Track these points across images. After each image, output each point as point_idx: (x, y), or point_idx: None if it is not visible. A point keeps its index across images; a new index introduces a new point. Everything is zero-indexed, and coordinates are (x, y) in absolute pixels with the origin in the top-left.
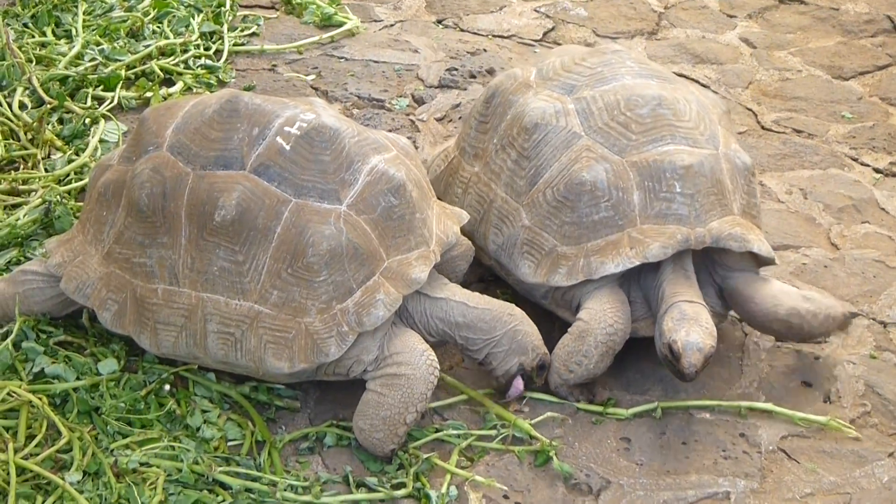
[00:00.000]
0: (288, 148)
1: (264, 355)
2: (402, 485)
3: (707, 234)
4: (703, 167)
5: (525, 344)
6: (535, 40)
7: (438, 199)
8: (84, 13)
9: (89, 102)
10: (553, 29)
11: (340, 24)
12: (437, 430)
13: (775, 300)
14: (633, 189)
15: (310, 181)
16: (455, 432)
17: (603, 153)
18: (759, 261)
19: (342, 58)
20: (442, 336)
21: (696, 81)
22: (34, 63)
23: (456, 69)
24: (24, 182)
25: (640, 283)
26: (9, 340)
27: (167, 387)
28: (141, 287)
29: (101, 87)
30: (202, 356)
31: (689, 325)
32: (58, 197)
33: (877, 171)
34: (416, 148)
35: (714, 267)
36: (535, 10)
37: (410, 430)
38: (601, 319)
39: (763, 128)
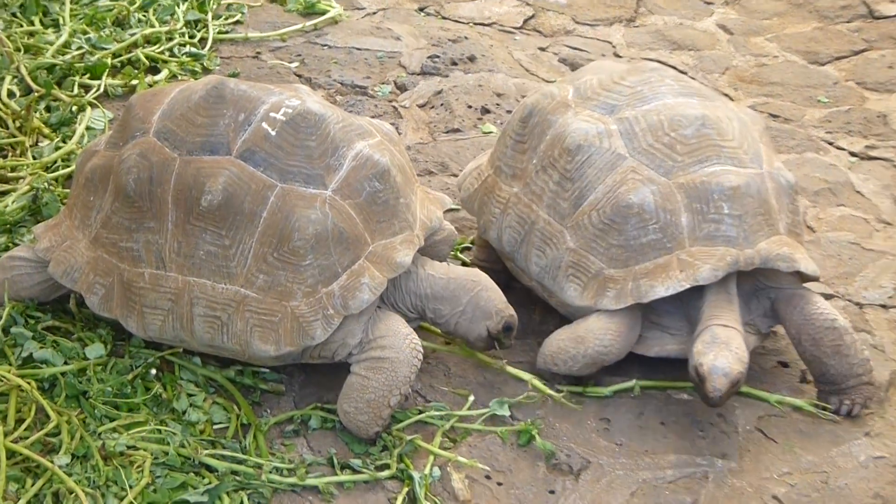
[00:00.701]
0: (274, 133)
1: (251, 338)
2: (386, 466)
3: (756, 256)
4: (750, 188)
5: (488, 308)
6: (516, 27)
7: (474, 217)
8: (71, 2)
9: (76, 90)
10: (533, 17)
11: (323, 12)
12: (421, 413)
13: (832, 312)
14: (681, 211)
15: (295, 166)
16: (438, 414)
17: (649, 175)
18: (803, 277)
19: (325, 45)
20: (417, 311)
21: (674, 68)
22: (22, 52)
23: (438, 56)
24: (12, 169)
25: (686, 304)
26: None
27: (153, 371)
28: (128, 271)
29: (88, 75)
30: (189, 340)
31: (719, 349)
32: (45, 184)
33: (852, 154)
34: (399, 134)
35: (762, 283)
36: None
37: (394, 412)
38: (601, 337)
39: None
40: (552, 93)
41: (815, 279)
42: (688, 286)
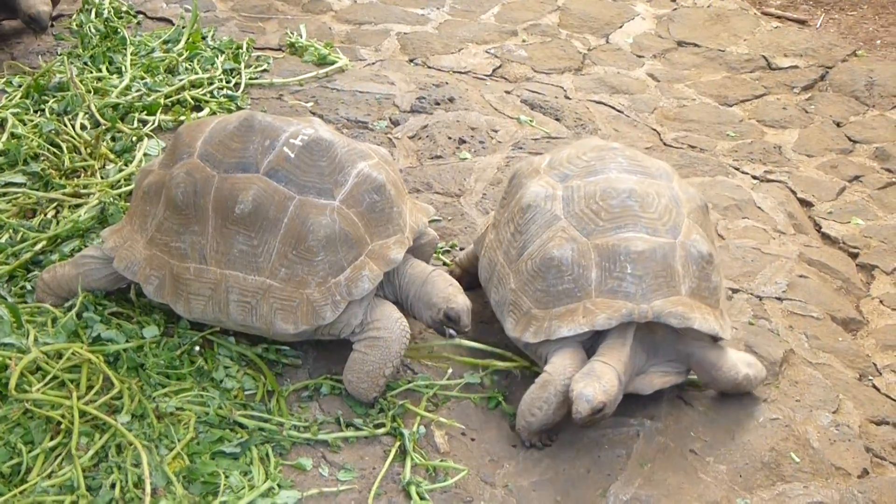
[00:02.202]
0: (293, 156)
1: (274, 319)
2: (382, 425)
3: (650, 311)
4: (656, 253)
5: (432, 300)
6: (487, 75)
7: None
8: (132, 54)
9: (136, 124)
10: (500, 66)
11: (333, 63)
12: (409, 382)
13: (735, 368)
14: (592, 267)
15: (310, 182)
16: (423, 383)
17: (573, 235)
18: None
19: (334, 89)
20: (398, 299)
21: (613, 108)
22: (92, 93)
23: (424, 98)
24: (84, 187)
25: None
26: (73, 312)
27: (197, 348)
28: (176, 266)
29: (145, 112)
30: (225, 320)
31: (590, 380)
32: (111, 199)
33: (754, 177)
34: (393, 159)
35: (681, 339)
36: (486, 52)
37: (389, 382)
38: (561, 373)
39: (665, 144)
40: (532, 161)
41: (721, 338)
42: (586, 329)
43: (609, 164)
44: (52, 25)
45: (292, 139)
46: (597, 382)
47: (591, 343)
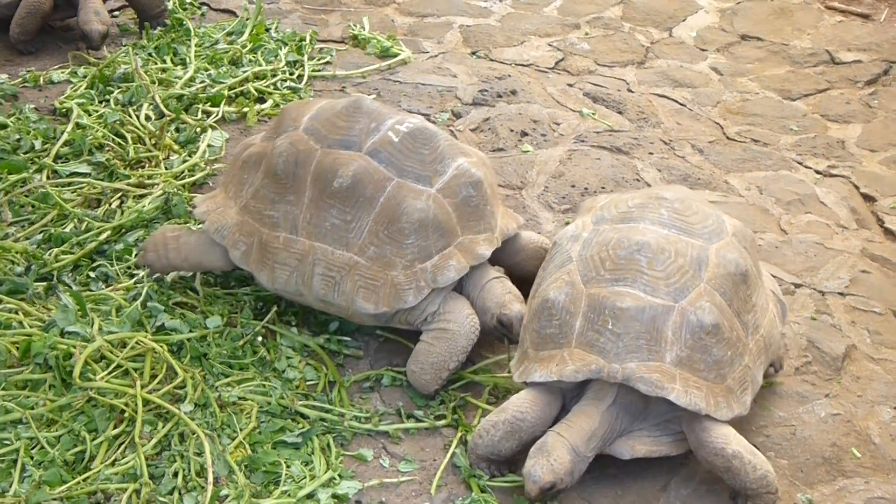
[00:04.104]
0: (396, 140)
1: (356, 297)
2: (443, 416)
3: (620, 372)
4: (643, 313)
5: (486, 304)
6: (549, 68)
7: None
8: (196, 45)
9: (199, 115)
10: (563, 59)
11: (396, 55)
12: (473, 374)
13: (726, 438)
14: (578, 315)
15: (410, 167)
16: (484, 376)
17: (574, 279)
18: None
19: (397, 81)
20: (469, 299)
21: (675, 101)
22: (157, 84)
23: (486, 90)
24: (149, 177)
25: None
26: (138, 302)
27: (259, 338)
28: (266, 234)
29: (209, 103)
30: (306, 294)
31: (539, 456)
32: (175, 189)
33: (817, 172)
34: None
35: (674, 406)
36: (549, 45)
37: (451, 376)
38: (517, 407)
39: (728, 138)
40: (598, 197)
41: (700, 414)
42: (554, 379)
43: (647, 214)
44: (103, 44)
45: (398, 125)
46: (545, 460)
47: (578, 391)
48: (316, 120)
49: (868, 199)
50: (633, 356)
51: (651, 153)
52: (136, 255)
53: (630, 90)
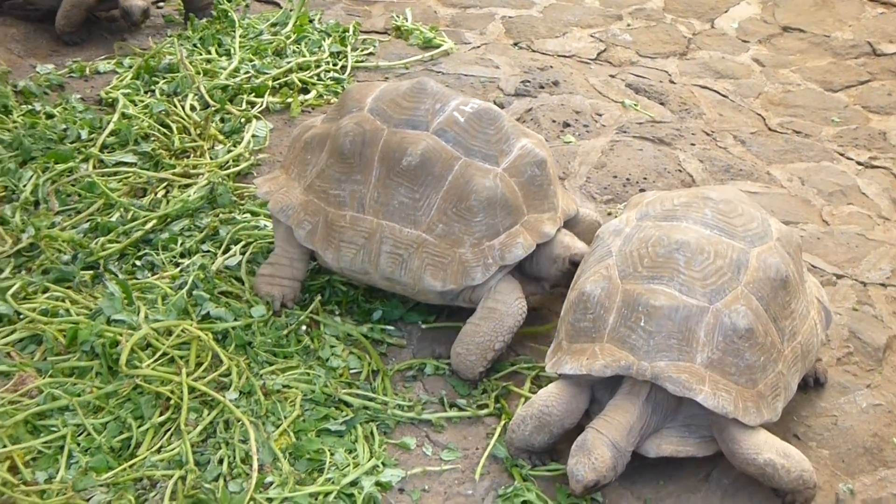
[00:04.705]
0: (462, 120)
1: (423, 275)
2: (485, 405)
3: (649, 370)
4: (676, 313)
5: (554, 252)
6: (591, 59)
7: None
8: (240, 36)
9: (244, 106)
10: (605, 50)
11: (438, 46)
12: (513, 365)
13: (757, 448)
14: (612, 311)
15: (476, 147)
16: (526, 366)
17: (611, 274)
18: None
19: (440, 72)
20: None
21: (717, 92)
22: (202, 75)
23: (528, 81)
24: (194, 167)
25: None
26: (184, 291)
27: (304, 328)
28: (332, 213)
29: (253, 94)
30: (372, 272)
31: (580, 455)
32: (220, 179)
33: (859, 163)
34: None
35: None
36: (591, 36)
37: (493, 365)
38: (544, 400)
39: (770, 129)
40: (645, 194)
41: (724, 416)
42: (584, 373)
43: (691, 213)
44: (144, 21)
45: (462, 106)
46: (587, 458)
47: (609, 384)
48: (381, 101)
49: None
50: (663, 355)
51: (693, 144)
52: (253, 292)
53: (672, 81)
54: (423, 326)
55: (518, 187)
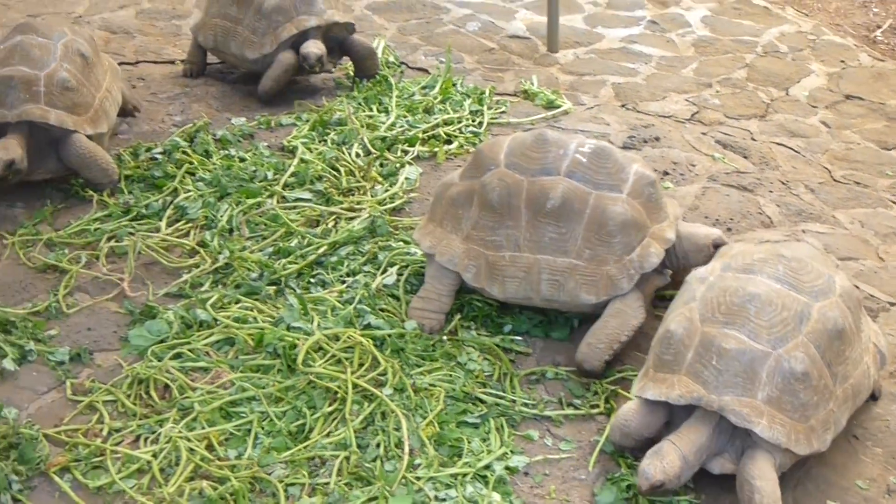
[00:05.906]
0: (585, 161)
1: (579, 293)
2: (597, 405)
3: (717, 402)
4: (743, 355)
5: (698, 242)
6: (686, 119)
7: None
8: (396, 97)
9: (399, 153)
10: (697, 112)
11: (559, 107)
12: (620, 372)
13: (754, 473)
14: (691, 348)
15: (601, 180)
16: (633, 373)
17: (693, 316)
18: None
19: (560, 128)
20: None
21: (791, 149)
22: (365, 128)
23: (634, 136)
24: (358, 203)
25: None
26: (351, 306)
27: (445, 338)
28: (491, 255)
29: (406, 143)
30: (534, 297)
31: (654, 458)
32: (379, 213)
33: None
34: None
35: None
36: (686, 100)
37: (607, 370)
38: (624, 413)
39: (834, 180)
40: (733, 245)
41: (776, 446)
42: (662, 399)
43: (766, 268)
44: (318, 70)
45: (580, 147)
46: (659, 462)
47: (689, 406)
48: (512, 156)
49: None
50: (729, 390)
51: (771, 191)
52: (408, 315)
53: (753, 139)
54: (546, 339)
55: (640, 206)
